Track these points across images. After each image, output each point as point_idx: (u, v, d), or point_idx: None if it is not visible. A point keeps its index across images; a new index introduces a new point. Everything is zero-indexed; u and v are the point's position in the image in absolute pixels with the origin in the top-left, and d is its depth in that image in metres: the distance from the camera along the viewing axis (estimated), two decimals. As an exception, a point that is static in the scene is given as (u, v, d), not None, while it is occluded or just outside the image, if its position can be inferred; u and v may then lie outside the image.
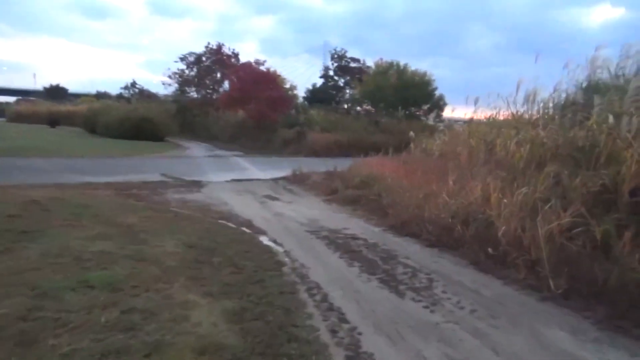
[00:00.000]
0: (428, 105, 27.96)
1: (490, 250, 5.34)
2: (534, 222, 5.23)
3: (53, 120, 36.83)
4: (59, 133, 30.23)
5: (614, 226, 4.78)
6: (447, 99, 27.82)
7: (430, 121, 25.93)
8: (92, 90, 59.15)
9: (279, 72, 31.41)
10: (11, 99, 67.05)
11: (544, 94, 8.46)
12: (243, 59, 35.95)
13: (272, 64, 33.82)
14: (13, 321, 3.24)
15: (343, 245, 5.99)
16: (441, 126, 17.14)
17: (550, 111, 8.44)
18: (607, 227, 4.75)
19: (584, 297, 4.29)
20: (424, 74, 27.71)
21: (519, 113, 8.79)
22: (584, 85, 8.03)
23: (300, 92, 36.36)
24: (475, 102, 9.11)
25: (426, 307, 4.07)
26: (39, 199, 7.62)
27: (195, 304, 3.83)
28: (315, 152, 20.71)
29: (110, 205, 7.64)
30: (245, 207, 8.45)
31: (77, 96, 56.59)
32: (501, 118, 9.57)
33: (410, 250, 5.92)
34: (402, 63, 27.81)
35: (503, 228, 5.32)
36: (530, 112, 8.41)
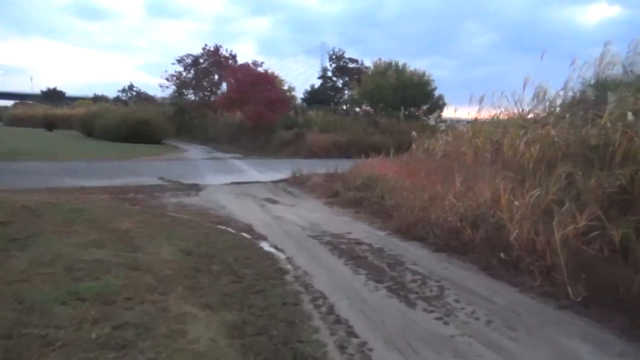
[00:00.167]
0: (427, 106, 27.73)
1: (502, 255, 5.09)
2: (547, 225, 5.00)
3: (50, 124, 36.63)
4: (55, 136, 30.01)
5: (633, 229, 4.55)
6: (446, 99, 27.66)
7: (432, 121, 25.65)
8: (90, 93, 59.05)
9: (277, 73, 31.25)
10: (9, 102, 66.85)
11: (550, 92, 8.28)
12: (240, 60, 35.81)
13: (270, 65, 33.62)
14: (-5, 340, 3.00)
15: (347, 251, 5.74)
16: (442, 126, 16.90)
17: (557, 109, 8.24)
18: (626, 230, 4.51)
19: (604, 306, 4.05)
20: (423, 74, 27.47)
21: (525, 112, 8.59)
22: (592, 82, 7.83)
23: (299, 94, 36.17)
24: (480, 100, 8.88)
25: (439, 318, 3.83)
26: (30, 204, 7.36)
27: (193, 317, 3.58)
28: (315, 153, 20.48)
29: (105, 210, 7.38)
30: (244, 211, 8.20)
31: (74, 99, 56.42)
32: (505, 117, 9.38)
33: (418, 256, 5.68)
34: (400, 63, 27.62)
35: (515, 232, 5.08)
36: (537, 111, 8.21)
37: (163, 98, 38.33)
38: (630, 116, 5.31)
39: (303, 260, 5.27)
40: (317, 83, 37.62)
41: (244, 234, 6.44)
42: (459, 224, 5.91)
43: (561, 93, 8.07)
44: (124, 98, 45.82)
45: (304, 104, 34.62)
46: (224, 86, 32.61)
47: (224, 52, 35.31)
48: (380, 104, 27.17)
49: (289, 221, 7.48)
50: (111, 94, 51.11)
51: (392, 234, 6.77)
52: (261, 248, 5.76)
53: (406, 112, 26.87)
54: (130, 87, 46.79)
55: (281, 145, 23.04)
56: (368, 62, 33.37)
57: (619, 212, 4.88)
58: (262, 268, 4.87)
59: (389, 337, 3.43)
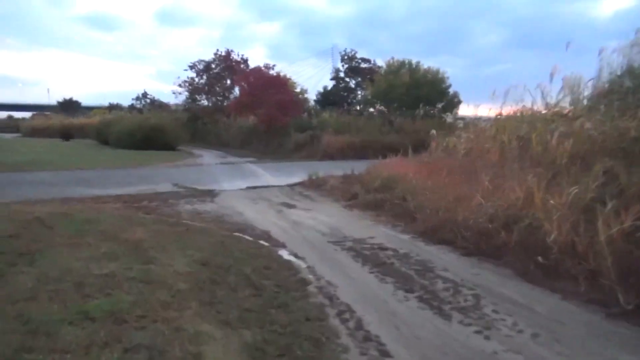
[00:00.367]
0: (442, 104, 27.23)
1: (539, 258, 4.72)
2: (588, 226, 4.63)
3: (66, 134, 36.89)
4: (71, 146, 30.14)
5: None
6: (460, 96, 27.12)
7: (449, 119, 25.15)
8: (105, 102, 59.53)
9: (288, 76, 31.04)
10: (27, 114, 67.80)
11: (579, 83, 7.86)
12: (252, 65, 35.68)
13: (281, 69, 33.32)
14: (-5, 368, 2.74)
15: (371, 258, 5.41)
16: (460, 124, 16.48)
17: (585, 102, 7.82)
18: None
19: (660, 314, 3.67)
20: (437, 71, 27.01)
21: (552, 105, 8.17)
22: (620, 71, 7.41)
23: (311, 96, 35.93)
24: (505, 95, 8.48)
25: (478, 331, 3.48)
26: (43, 216, 7.18)
27: (210, 337, 3.29)
28: (329, 155, 20.20)
29: (118, 220, 7.16)
30: (261, 216, 7.92)
31: (90, 109, 56.91)
32: (530, 112, 8.97)
33: (447, 261, 5.33)
34: (414, 61, 27.19)
35: (554, 233, 4.70)
36: (563, 104, 7.80)
37: (176, 105, 38.42)
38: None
39: (325, 269, 4.96)
40: (330, 85, 37.34)
41: (261, 242, 6.15)
42: (490, 226, 5.54)
43: (589, 84, 7.63)
44: (138, 106, 46.03)
45: (317, 105, 34.34)
46: (237, 90, 32.52)
47: (235, 56, 35.27)
48: (394, 104, 26.77)
49: (307, 226, 7.18)
50: (125, 102, 51.45)
51: (416, 237, 6.42)
52: (280, 257, 5.46)
53: (421, 111, 26.46)
54: (144, 94, 47.00)
55: (295, 148, 22.80)
56: (381, 62, 32.96)
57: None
58: (282, 279, 4.57)
59: (426, 356, 3.10)
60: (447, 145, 11.00)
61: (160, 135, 25.45)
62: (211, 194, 10.28)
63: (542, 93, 7.81)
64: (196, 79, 35.59)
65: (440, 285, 4.48)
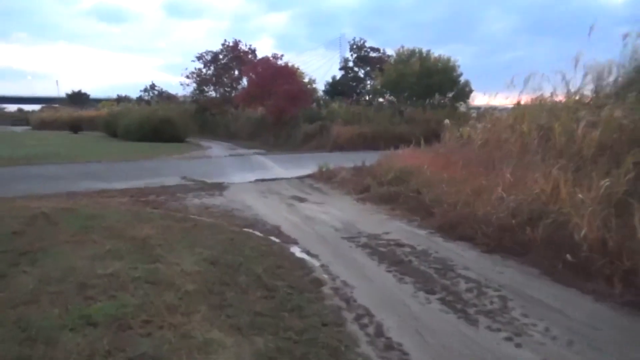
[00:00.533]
0: (453, 93, 26.75)
1: (568, 256, 4.43)
2: (621, 221, 4.34)
3: (75, 126, 36.90)
4: (80, 138, 30.11)
5: None
6: (472, 85, 26.60)
7: (462, 108, 24.69)
8: (113, 94, 59.49)
9: (296, 66, 30.65)
10: (36, 107, 68.01)
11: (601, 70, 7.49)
12: (259, 55, 35.35)
13: (289, 59, 32.98)
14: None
15: (388, 255, 5.15)
16: (474, 113, 16.09)
17: (608, 89, 7.46)
18: None
19: None
20: (448, 60, 26.47)
21: (573, 93, 7.81)
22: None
23: (320, 86, 35.52)
24: (526, 82, 8.13)
25: (509, 338, 3.22)
26: (47, 211, 7.00)
27: (220, 345, 3.07)
28: (339, 146, 19.93)
29: (124, 215, 6.96)
30: (271, 211, 7.68)
31: (98, 101, 56.92)
32: (550, 100, 8.62)
33: (468, 258, 5.05)
34: (424, 50, 26.68)
35: (584, 229, 4.40)
36: (586, 92, 7.45)
37: (184, 96, 38.25)
38: None
39: (340, 268, 4.71)
40: (338, 75, 36.90)
41: (272, 238, 5.92)
42: (513, 221, 5.24)
43: (614, 71, 7.27)
44: (146, 98, 45.91)
45: (326, 96, 33.96)
46: (244, 81, 32.21)
47: (243, 46, 34.94)
48: (405, 93, 26.35)
49: (319, 221, 6.93)
50: (134, 94, 51.34)
51: (434, 232, 6.15)
52: (292, 254, 5.22)
53: (431, 101, 26.07)
54: (152, 86, 46.85)
55: (304, 139, 22.51)
56: (390, 51, 32.46)
57: None
58: (296, 279, 4.33)
59: (454, 367, 2.85)
60: (462, 136, 10.70)
61: (168, 127, 25.31)
62: (220, 187, 10.06)
63: (565, 80, 7.42)
64: (204, 70, 35.36)
65: (462, 285, 4.21)
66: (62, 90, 66.28)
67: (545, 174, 5.70)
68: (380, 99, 29.77)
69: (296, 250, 5.37)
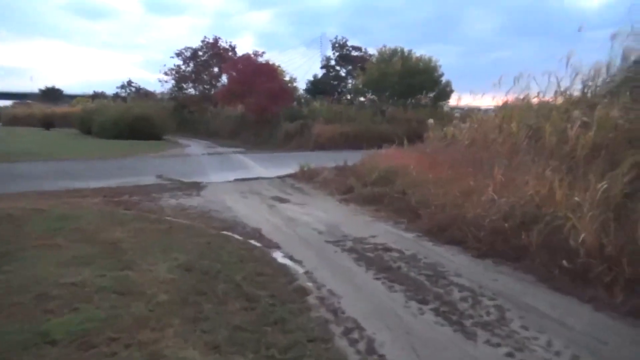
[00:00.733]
0: (434, 93, 26.74)
1: (564, 262, 4.22)
2: (621, 225, 4.15)
3: (48, 123, 35.89)
4: (52, 135, 29.23)
5: None
6: (453, 86, 26.63)
7: (446, 108, 24.68)
8: (89, 91, 58.00)
9: (277, 64, 30.22)
10: (8, 102, 66.00)
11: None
12: (240, 53, 34.82)
13: (271, 57, 32.50)
14: None
15: (375, 260, 4.87)
16: (457, 113, 15.98)
17: (597, 89, 7.34)
18: None
19: None
20: (430, 60, 26.43)
21: (562, 92, 7.67)
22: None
23: (301, 85, 35.16)
24: (516, 81, 7.97)
25: (510, 354, 2.97)
26: (15, 212, 6.58)
27: (195, 366, 2.75)
28: (321, 145, 19.65)
29: (95, 217, 6.55)
30: (251, 212, 7.35)
31: (73, 97, 55.47)
32: (537, 100, 8.49)
33: (459, 264, 4.81)
34: (406, 49, 26.58)
35: (583, 234, 4.20)
36: (573, 91, 7.31)
37: (162, 93, 37.49)
38: None
39: (326, 275, 4.42)
40: (320, 73, 36.58)
41: (252, 242, 5.59)
42: (506, 225, 5.02)
43: (602, 71, 7.14)
44: (122, 94, 44.88)
45: (307, 94, 33.63)
46: (224, 79, 31.67)
47: (223, 43, 34.38)
48: (386, 92, 26.22)
49: (302, 223, 6.62)
50: (110, 91, 50.10)
51: (422, 236, 5.90)
52: (274, 259, 4.90)
53: (412, 100, 26.04)
54: (129, 83, 45.84)
55: (285, 138, 22.17)
56: (372, 50, 32.27)
57: None
58: (278, 287, 4.02)
59: (455, 390, 2.58)
60: (446, 135, 10.52)
61: (145, 124, 24.68)
62: (197, 187, 9.67)
63: (556, 80, 7.26)
64: (183, 67, 34.66)
65: (456, 294, 3.96)
66: (37, 86, 64.27)
67: (538, 175, 5.50)
68: (362, 98, 29.59)
69: (278, 256, 5.05)
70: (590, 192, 4.53)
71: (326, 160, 11.96)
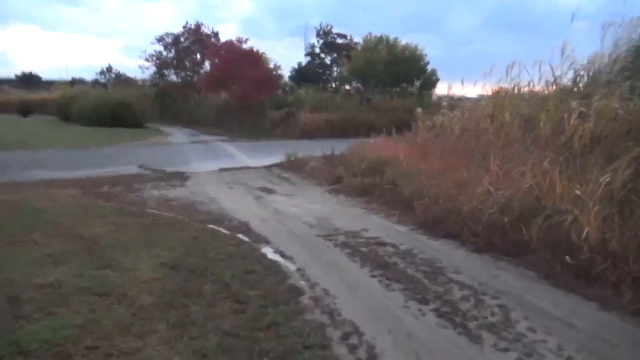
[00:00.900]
0: (420, 81, 26.61)
1: (567, 258, 4.07)
2: (623, 221, 4.01)
3: (25, 109, 34.77)
4: (30, 122, 28.33)
5: None
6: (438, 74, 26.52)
7: (434, 97, 24.59)
8: (68, 77, 56.54)
9: (261, 51, 29.66)
10: (-18, 88, 64.05)
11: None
12: (223, 39, 34.10)
13: (254, 45, 31.87)
14: None
15: (370, 256, 4.67)
16: (444, 102, 15.83)
17: (591, 79, 7.21)
18: None
19: None
20: (415, 48, 26.23)
21: (552, 82, 7.53)
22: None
23: (285, 72, 34.63)
24: (508, 69, 7.79)
25: (520, 360, 2.80)
26: (-16, 205, 6.23)
27: (182, 379, 2.52)
28: (307, 134, 19.33)
29: (73, 210, 6.24)
30: (238, 204, 7.09)
31: (51, 83, 53.96)
32: (527, 90, 8.35)
33: (456, 259, 4.64)
34: (391, 37, 26.31)
35: (586, 229, 4.04)
36: (565, 81, 7.18)
37: (143, 80, 36.60)
38: None
39: (319, 273, 4.20)
40: (304, 61, 36.07)
41: (240, 236, 5.34)
42: (506, 219, 4.85)
43: (598, 60, 7.01)
44: (102, 81, 43.72)
45: (292, 82, 33.17)
46: (207, 65, 30.99)
47: (205, 29, 33.56)
48: (372, 81, 25.99)
49: (291, 216, 6.39)
50: (89, 77, 48.78)
51: (415, 229, 5.72)
52: (264, 255, 4.67)
53: (397, 89, 25.91)
54: (109, 69, 44.61)
55: (270, 126, 21.76)
56: (358, 38, 31.91)
57: None
58: (269, 287, 3.80)
59: (466, 403, 2.40)
60: (434, 125, 10.34)
61: (126, 111, 23.99)
62: (181, 177, 9.35)
63: (551, 70, 7.09)
64: (164, 53, 33.76)
65: (457, 293, 3.78)
66: (13, 72, 62.42)
67: (535, 167, 5.34)
68: (347, 87, 29.31)
69: (268, 251, 4.82)
70: (592, 185, 4.37)
71: (313, 149, 11.71)
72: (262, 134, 20.78)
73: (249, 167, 11.09)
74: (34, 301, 3.36)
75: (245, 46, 27.05)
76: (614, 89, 5.68)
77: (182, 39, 33.81)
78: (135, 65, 37.30)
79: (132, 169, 10.18)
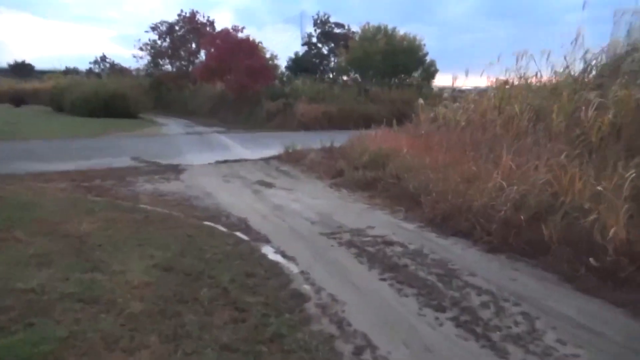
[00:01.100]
0: (419, 72, 26.26)
1: (592, 260, 3.79)
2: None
3: (17, 99, 34.19)
4: (22, 112, 27.81)
5: None
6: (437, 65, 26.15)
7: (435, 88, 24.26)
8: (61, 66, 55.78)
9: (257, 41, 29.18)
10: (-28, 77, 63.09)
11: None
12: (218, 28, 33.55)
13: (250, 33, 31.35)
14: None
15: (378, 257, 4.37)
16: (446, 93, 15.53)
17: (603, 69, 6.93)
18: None
19: None
20: (414, 39, 25.82)
21: (563, 73, 7.24)
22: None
23: (282, 62, 34.16)
24: (519, 58, 7.50)
25: (554, 379, 2.52)
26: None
27: (176, 404, 2.22)
28: (304, 125, 19.01)
29: (61, 205, 5.91)
30: (235, 199, 6.77)
31: (44, 73, 53.18)
32: (535, 81, 8.07)
33: (470, 260, 4.35)
34: (390, 27, 25.87)
35: (613, 229, 3.76)
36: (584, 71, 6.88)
37: (138, 69, 36.06)
38: None
39: (324, 276, 3.90)
40: (301, 51, 35.58)
41: (239, 234, 5.03)
42: (522, 217, 4.55)
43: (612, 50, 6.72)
44: (96, 70, 43.09)
45: (289, 73, 32.72)
46: (203, 55, 30.49)
47: (200, 18, 33.02)
48: (370, 72, 25.61)
49: (292, 212, 6.09)
50: (83, 66, 48.09)
51: (423, 227, 5.43)
52: (264, 256, 4.36)
53: (397, 80, 25.58)
54: (103, 58, 43.94)
55: (267, 117, 21.40)
56: (355, 27, 31.44)
57: None
58: (271, 292, 3.49)
59: None
60: (437, 117, 10.05)
61: (119, 102, 23.54)
62: (176, 170, 9.01)
63: (565, 60, 6.80)
64: (159, 42, 33.25)
65: (474, 298, 3.49)
66: (5, 61, 61.41)
67: (549, 161, 5.05)
68: (345, 77, 28.91)
69: (269, 251, 4.51)
70: (615, 181, 4.09)
71: (311, 141, 11.39)
72: (258, 125, 20.45)
73: (246, 160, 10.74)
74: (13, 309, 3.04)
75: (241, 35, 26.58)
76: (632, 78, 5.38)
77: (177, 28, 33.34)
78: (129, 54, 36.79)
79: (125, 161, 9.83)
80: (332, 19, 34.59)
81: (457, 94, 12.63)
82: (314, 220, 5.66)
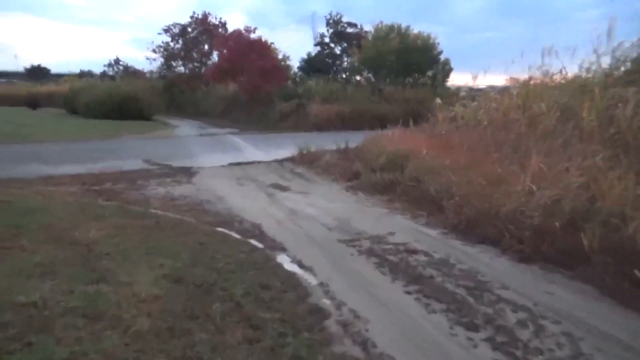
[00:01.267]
0: (433, 71, 25.85)
1: (637, 272, 3.47)
2: None
3: (33, 102, 34.50)
4: (37, 115, 27.97)
5: None
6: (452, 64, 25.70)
7: (450, 87, 23.83)
8: (76, 69, 56.32)
9: (270, 42, 29.01)
10: (-9, 81, 63.96)
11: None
12: (230, 29, 33.47)
13: (262, 34, 31.28)
14: None
15: (401, 267, 4.10)
16: (463, 92, 15.17)
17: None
18: None
19: None
20: (428, 37, 25.42)
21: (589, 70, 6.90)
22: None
23: (294, 63, 33.96)
24: (545, 54, 7.17)
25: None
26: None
27: None
28: (318, 126, 18.77)
29: (70, 210, 5.71)
30: (249, 203, 6.54)
31: (60, 76, 53.70)
32: (560, 79, 7.73)
33: (501, 271, 4.05)
34: (403, 26, 25.50)
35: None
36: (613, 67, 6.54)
37: (151, 71, 36.17)
38: None
39: (344, 288, 3.64)
40: (314, 51, 35.35)
41: (252, 242, 4.78)
42: (557, 224, 4.24)
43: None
44: (110, 73, 43.35)
45: (302, 73, 32.50)
46: (215, 56, 30.43)
47: (213, 19, 32.97)
48: (383, 71, 25.26)
49: (308, 217, 5.83)
50: (98, 69, 48.46)
51: (447, 233, 5.14)
52: (280, 266, 4.11)
53: (411, 79, 25.24)
54: (117, 61, 44.19)
55: (280, 118, 21.20)
56: (368, 27, 31.11)
57: None
58: (288, 307, 3.23)
59: None
60: (455, 116, 9.72)
61: (133, 104, 23.57)
62: (188, 173, 8.81)
63: (597, 56, 6.46)
64: (171, 44, 33.27)
65: (510, 315, 3.20)
66: (22, 65, 62.24)
67: (583, 163, 4.73)
68: (358, 77, 28.60)
69: (284, 260, 4.26)
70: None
71: (325, 142, 11.11)
72: (271, 126, 20.25)
73: (259, 162, 10.52)
74: (12, 326, 2.83)
75: (253, 36, 26.45)
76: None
77: (189, 30, 33.35)
78: (142, 57, 37.02)
79: (137, 164, 9.65)
80: (344, 19, 34.31)
81: (474, 93, 12.29)
82: (331, 226, 5.40)
